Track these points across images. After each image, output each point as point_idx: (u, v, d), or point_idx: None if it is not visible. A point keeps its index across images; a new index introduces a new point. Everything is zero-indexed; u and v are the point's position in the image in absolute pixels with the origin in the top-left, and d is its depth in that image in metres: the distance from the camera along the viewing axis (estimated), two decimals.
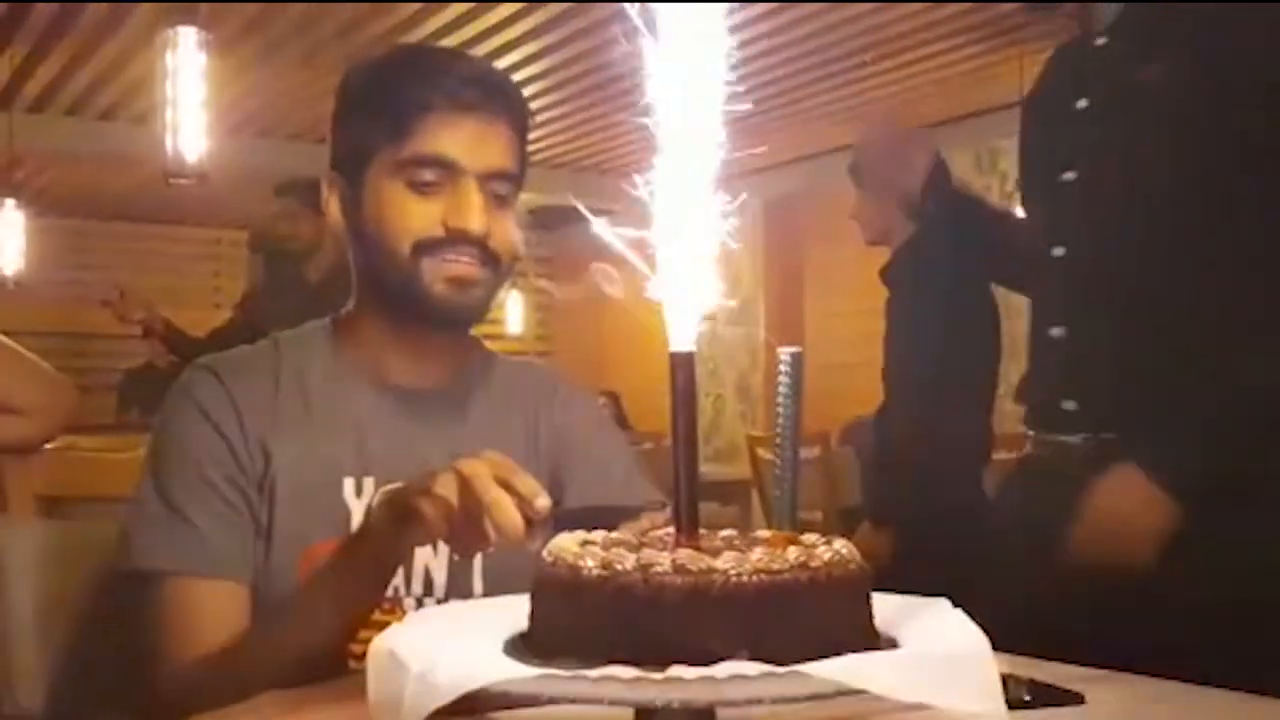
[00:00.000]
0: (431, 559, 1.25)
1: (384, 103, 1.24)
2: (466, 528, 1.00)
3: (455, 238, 1.23)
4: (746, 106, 0.77)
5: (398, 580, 1.23)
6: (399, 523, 1.04)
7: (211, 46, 3.63)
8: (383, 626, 0.85)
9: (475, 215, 1.23)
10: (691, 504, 0.77)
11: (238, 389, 1.25)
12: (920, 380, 3.21)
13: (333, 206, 1.31)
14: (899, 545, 3.11)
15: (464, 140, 1.23)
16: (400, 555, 1.11)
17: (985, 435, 3.47)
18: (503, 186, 1.27)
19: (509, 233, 1.27)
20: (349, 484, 1.25)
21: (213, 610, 1.17)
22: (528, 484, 0.98)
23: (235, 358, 1.30)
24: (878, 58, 5.53)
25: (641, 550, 0.73)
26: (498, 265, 1.27)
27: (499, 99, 1.27)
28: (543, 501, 0.97)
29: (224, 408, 1.24)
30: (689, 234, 0.76)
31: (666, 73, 0.75)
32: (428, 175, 1.23)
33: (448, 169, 1.23)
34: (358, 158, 1.26)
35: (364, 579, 1.10)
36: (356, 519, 1.23)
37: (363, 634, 1.19)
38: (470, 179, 1.24)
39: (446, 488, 0.99)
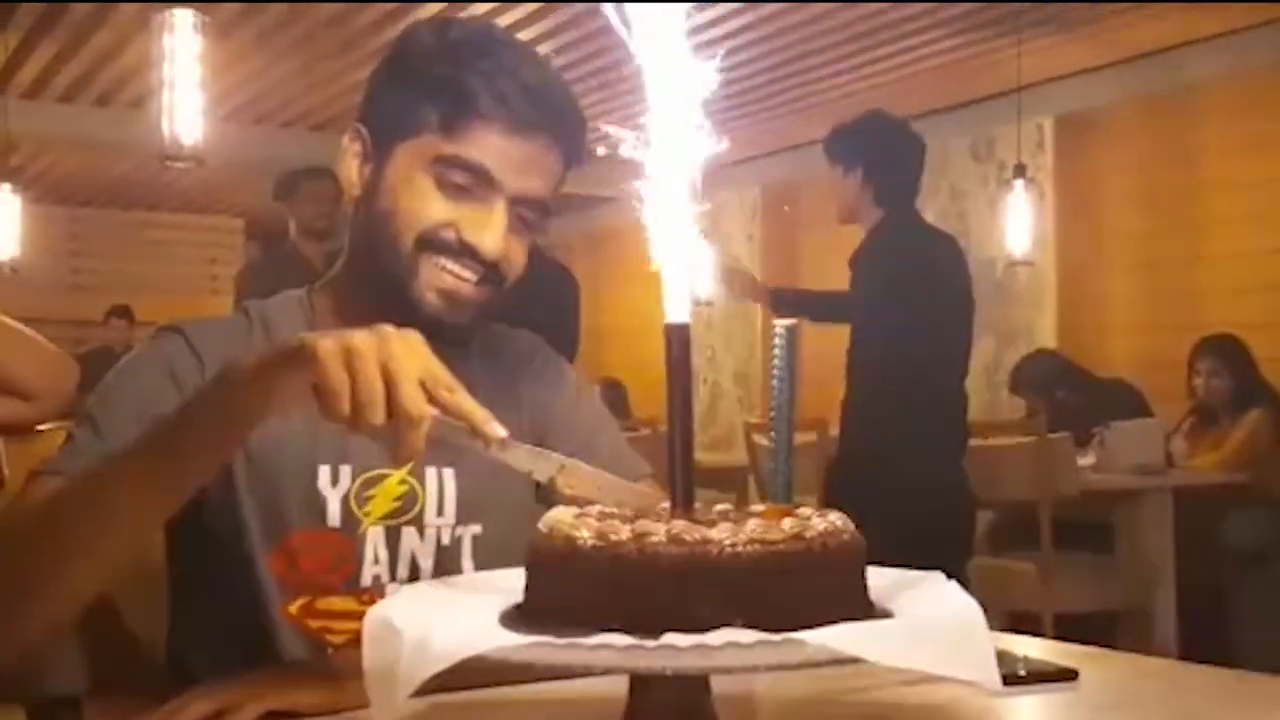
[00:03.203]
0: (418, 544, 1.21)
1: (443, 88, 1.15)
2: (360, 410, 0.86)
3: (465, 250, 1.16)
4: (736, 90, 0.77)
5: (381, 568, 1.19)
6: (275, 368, 0.90)
7: (208, 30, 3.62)
8: (363, 616, 0.80)
9: (494, 237, 1.16)
10: (687, 476, 0.77)
11: (207, 354, 1.17)
12: (888, 369, 3.22)
13: (350, 163, 1.22)
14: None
15: (511, 160, 1.16)
16: (266, 404, 0.93)
17: (960, 421, 3.47)
18: (531, 213, 1.20)
19: (521, 255, 1.21)
20: (324, 471, 1.18)
21: None
22: (471, 405, 0.88)
23: (205, 324, 1.23)
24: (873, 45, 5.54)
25: (636, 521, 0.74)
26: (498, 286, 1.21)
27: (560, 123, 1.18)
28: (496, 428, 0.87)
29: (190, 368, 1.16)
30: (681, 209, 0.76)
31: (652, 56, 0.75)
32: (460, 179, 1.15)
33: (484, 181, 1.16)
34: (394, 129, 1.18)
35: (216, 417, 0.94)
36: (333, 510, 1.18)
37: (341, 626, 1.17)
38: (502, 199, 1.16)
39: (364, 354, 0.86)
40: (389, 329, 0.89)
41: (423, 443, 0.87)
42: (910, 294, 3.22)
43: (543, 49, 5.25)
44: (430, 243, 1.17)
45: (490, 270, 1.18)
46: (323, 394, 0.87)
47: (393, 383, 0.86)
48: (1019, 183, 5.56)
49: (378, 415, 0.86)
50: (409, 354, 0.87)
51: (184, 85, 3.52)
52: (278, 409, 0.93)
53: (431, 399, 0.87)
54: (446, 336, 1.20)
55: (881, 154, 3.33)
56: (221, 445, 0.97)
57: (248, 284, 4.36)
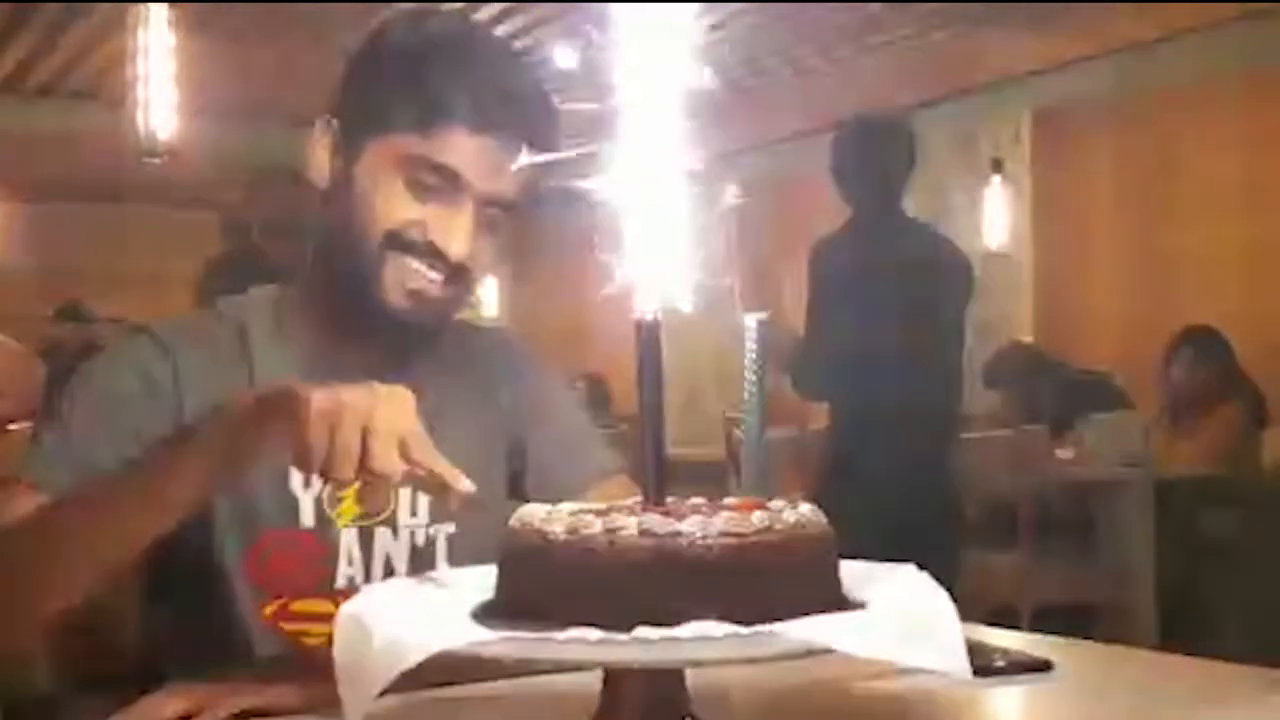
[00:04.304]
0: (392, 545, 1.20)
1: (415, 85, 1.14)
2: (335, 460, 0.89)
3: (431, 251, 1.15)
4: (714, 87, 0.77)
5: (355, 569, 1.19)
6: (265, 416, 0.93)
7: (182, 25, 3.60)
8: None
9: (461, 240, 1.14)
10: (659, 469, 0.77)
11: (178, 354, 1.17)
12: (838, 362, 3.25)
13: (320, 155, 1.19)
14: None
15: (482, 162, 1.14)
16: (252, 449, 0.95)
17: (945, 413, 3.49)
18: (500, 213, 1.18)
19: (489, 255, 1.19)
20: (296, 473, 1.15)
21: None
22: (442, 465, 0.91)
23: (175, 323, 1.22)
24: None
25: (608, 515, 0.73)
26: (467, 285, 1.19)
27: (533, 125, 1.15)
28: (465, 483, 0.91)
29: (161, 369, 1.16)
30: (654, 203, 0.76)
31: (629, 52, 0.75)
32: (430, 180, 1.14)
33: (452, 182, 1.14)
34: (365, 123, 1.16)
35: (202, 465, 0.95)
36: (306, 512, 1.17)
37: (316, 629, 1.16)
38: (470, 201, 1.14)
39: (350, 411, 0.89)
40: (380, 387, 0.92)
41: (385, 500, 0.93)
42: (869, 283, 3.25)
43: (520, 43, 5.25)
44: (397, 241, 1.15)
45: (457, 270, 1.17)
46: (299, 447, 0.90)
47: (369, 441, 0.88)
48: (996, 177, 5.58)
49: (347, 473, 0.89)
50: (391, 414, 0.90)
51: (158, 80, 3.50)
52: (265, 455, 0.96)
53: (405, 457, 0.89)
54: (414, 335, 1.20)
55: (840, 155, 3.45)
56: (209, 484, 0.98)
57: (210, 279, 4.35)
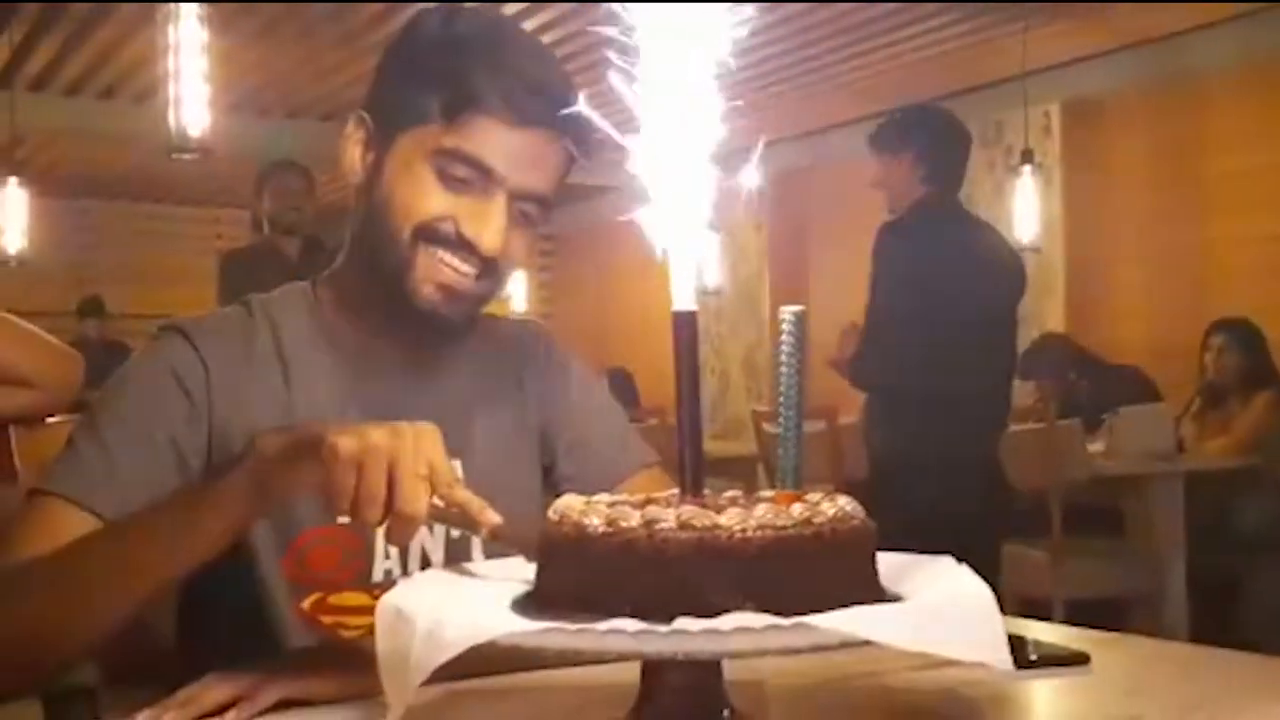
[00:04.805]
0: (428, 539, 1.21)
1: (446, 80, 1.14)
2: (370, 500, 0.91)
3: (463, 244, 1.15)
4: (745, 80, 0.77)
5: (392, 563, 1.20)
6: (294, 459, 0.94)
7: (212, 22, 3.62)
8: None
9: (493, 233, 1.14)
10: (696, 462, 0.77)
11: (209, 353, 1.17)
12: (904, 350, 3.24)
13: (353, 150, 1.20)
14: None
15: (513, 155, 1.14)
16: (282, 491, 0.97)
17: (995, 405, 3.48)
18: (532, 208, 1.18)
19: (520, 250, 1.19)
20: None
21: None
22: (467, 497, 0.92)
23: (206, 322, 1.22)
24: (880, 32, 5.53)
25: (646, 507, 0.74)
26: (498, 279, 1.19)
27: (564, 119, 1.13)
28: (491, 516, 0.92)
29: (194, 371, 1.16)
30: (687, 195, 0.76)
31: (659, 46, 0.76)
32: (461, 172, 1.14)
33: (484, 175, 1.14)
34: (396, 117, 1.17)
35: (234, 505, 0.98)
36: None
37: (355, 621, 1.17)
38: (502, 194, 1.15)
39: (376, 454, 0.90)
40: (405, 426, 0.93)
41: (412, 535, 0.94)
42: (935, 272, 3.24)
43: (547, 38, 5.25)
44: (428, 234, 1.15)
45: (489, 265, 1.17)
46: (328, 490, 0.92)
47: (395, 481, 0.90)
48: (1027, 169, 5.53)
49: (375, 516, 0.91)
50: (418, 451, 0.91)
51: (189, 77, 3.51)
52: (295, 495, 0.99)
53: (432, 490, 0.91)
54: (445, 328, 1.20)
55: (933, 136, 3.42)
56: (241, 523, 1.00)
57: (227, 272, 4.40)
